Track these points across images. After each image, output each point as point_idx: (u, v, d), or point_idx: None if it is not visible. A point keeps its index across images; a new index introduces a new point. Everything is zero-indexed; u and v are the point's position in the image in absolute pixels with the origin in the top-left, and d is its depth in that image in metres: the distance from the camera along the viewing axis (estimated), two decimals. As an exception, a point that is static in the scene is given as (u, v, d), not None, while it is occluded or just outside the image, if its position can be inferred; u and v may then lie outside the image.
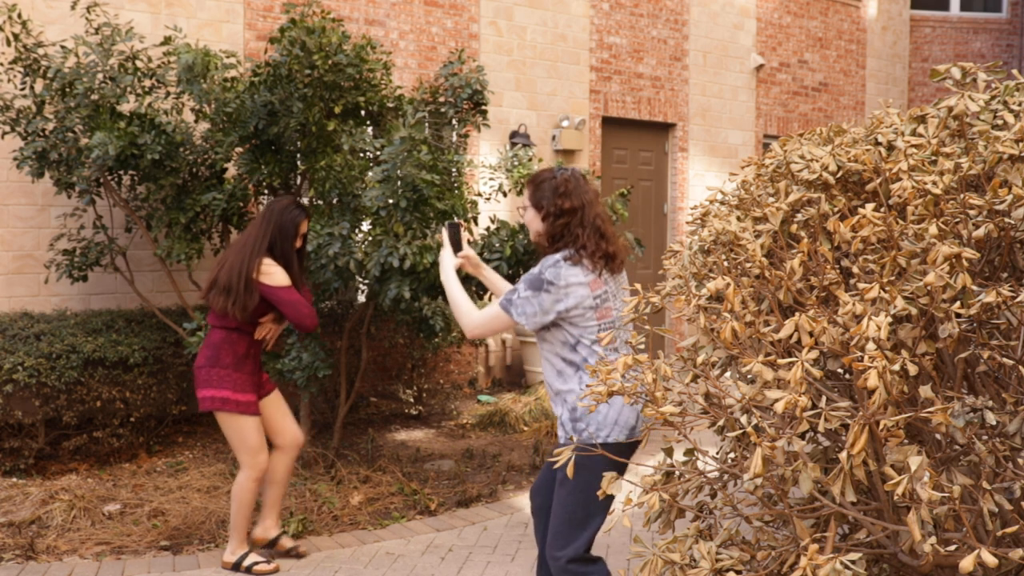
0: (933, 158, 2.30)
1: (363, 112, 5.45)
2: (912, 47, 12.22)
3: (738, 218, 2.68)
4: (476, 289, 5.08)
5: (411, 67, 7.66)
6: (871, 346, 1.88)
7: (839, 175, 2.50)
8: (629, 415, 2.78)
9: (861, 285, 2.03)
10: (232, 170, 5.90)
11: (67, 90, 5.12)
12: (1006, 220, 2.06)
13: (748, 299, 2.24)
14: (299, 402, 5.59)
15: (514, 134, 8.01)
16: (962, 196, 2.11)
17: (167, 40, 5.35)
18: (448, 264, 3.11)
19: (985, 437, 2.03)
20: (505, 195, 5.74)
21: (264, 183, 5.37)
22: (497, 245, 5.07)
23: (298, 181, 5.66)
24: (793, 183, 2.63)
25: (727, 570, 2.13)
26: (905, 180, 2.16)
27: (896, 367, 1.85)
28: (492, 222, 5.31)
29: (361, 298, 6.11)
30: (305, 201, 5.47)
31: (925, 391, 1.94)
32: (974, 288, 1.98)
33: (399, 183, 4.71)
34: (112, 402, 5.38)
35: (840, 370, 2.44)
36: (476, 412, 7.07)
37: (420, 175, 4.65)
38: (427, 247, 4.70)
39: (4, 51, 5.72)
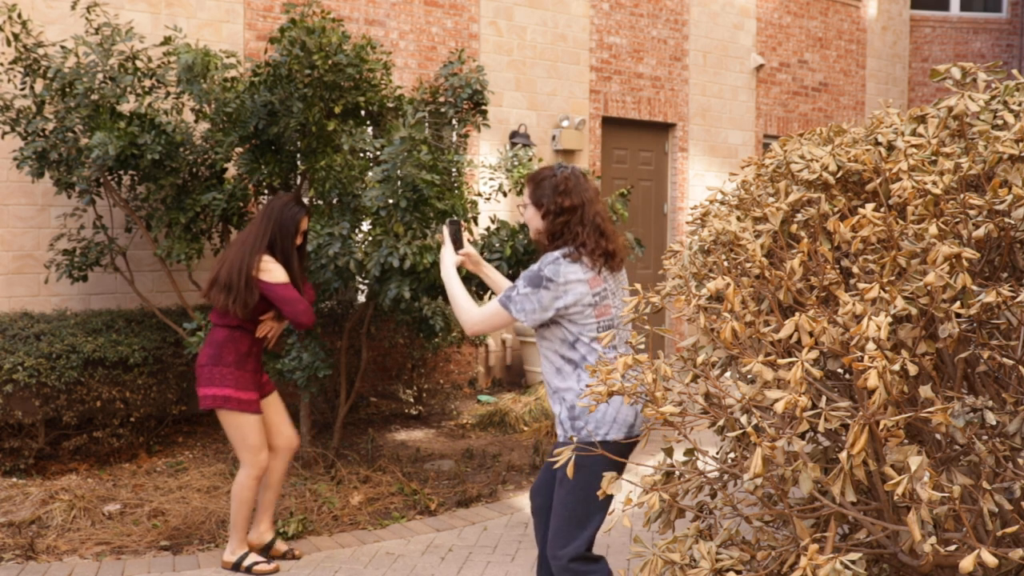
0: (933, 158, 2.30)
1: (363, 112, 5.45)
2: (912, 47, 12.22)
3: (738, 218, 2.68)
4: (476, 289, 5.08)
5: (411, 67, 7.66)
6: (871, 346, 1.88)
7: (839, 175, 2.50)
8: (627, 413, 2.78)
9: (861, 285, 2.03)
10: (232, 170, 5.90)
11: (67, 90, 5.12)
12: (1006, 220, 2.06)
13: (748, 299, 2.24)
14: (299, 402, 5.59)
15: (514, 134, 8.01)
16: (962, 196, 2.11)
17: (167, 40, 5.35)
18: (449, 261, 3.12)
19: (985, 437, 2.03)
20: (505, 195, 5.74)
21: (264, 183, 5.37)
22: (497, 245, 5.07)
23: (298, 181, 5.66)
24: (793, 183, 2.63)
25: (727, 570, 2.13)
26: (905, 180, 2.17)
27: (896, 367, 1.85)
28: (492, 222, 5.31)
29: (361, 298, 6.11)
30: (305, 201, 5.47)
31: (925, 391, 1.94)
32: (974, 288, 1.98)
33: (399, 183, 4.72)
34: (112, 402, 5.38)
35: (840, 370, 2.44)
36: (476, 412, 7.07)
37: (420, 175, 4.65)
38: (427, 247, 4.70)
39: (4, 51, 5.72)
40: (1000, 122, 2.34)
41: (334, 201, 5.11)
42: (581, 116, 8.71)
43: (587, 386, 2.34)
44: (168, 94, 5.44)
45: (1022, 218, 2.06)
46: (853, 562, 1.82)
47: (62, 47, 5.16)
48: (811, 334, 2.01)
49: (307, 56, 4.82)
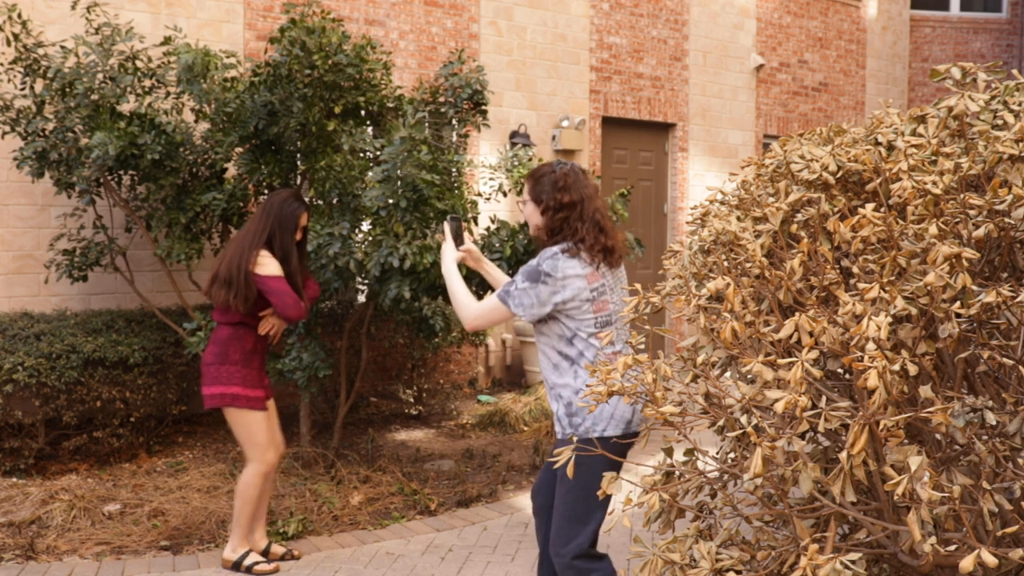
0: (933, 158, 2.30)
1: (363, 112, 5.45)
2: (912, 47, 12.22)
3: (738, 218, 2.68)
4: (477, 288, 5.08)
5: (411, 67, 7.66)
6: (871, 346, 1.88)
7: (839, 175, 2.50)
8: (625, 409, 2.79)
9: (861, 285, 2.03)
10: (232, 170, 5.90)
11: (67, 90, 5.12)
12: (1006, 220, 2.06)
13: (748, 299, 2.24)
14: (299, 402, 5.58)
15: (514, 134, 8.01)
16: (962, 196, 2.11)
17: (167, 40, 5.35)
18: (449, 257, 3.13)
19: (985, 437, 2.03)
20: (505, 195, 5.74)
21: (264, 183, 5.37)
22: (497, 245, 5.07)
23: (298, 181, 5.66)
24: (793, 183, 2.63)
25: (727, 570, 2.13)
26: (905, 180, 2.17)
27: (896, 367, 1.85)
28: (492, 222, 5.31)
29: (361, 298, 6.11)
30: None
31: (925, 391, 1.94)
32: (974, 288, 1.98)
33: (399, 183, 4.72)
34: (112, 402, 5.38)
35: (840, 370, 2.44)
36: (476, 412, 7.07)
37: (420, 175, 4.65)
38: (427, 247, 4.70)
39: (4, 51, 5.72)
40: (1000, 122, 2.34)
41: (334, 201, 5.11)
42: (581, 116, 8.71)
43: (587, 386, 2.35)
44: (168, 94, 5.44)
45: (1022, 218, 2.06)
46: (853, 562, 1.82)
47: (62, 47, 5.16)
48: (811, 334, 2.01)
49: (307, 56, 4.82)
